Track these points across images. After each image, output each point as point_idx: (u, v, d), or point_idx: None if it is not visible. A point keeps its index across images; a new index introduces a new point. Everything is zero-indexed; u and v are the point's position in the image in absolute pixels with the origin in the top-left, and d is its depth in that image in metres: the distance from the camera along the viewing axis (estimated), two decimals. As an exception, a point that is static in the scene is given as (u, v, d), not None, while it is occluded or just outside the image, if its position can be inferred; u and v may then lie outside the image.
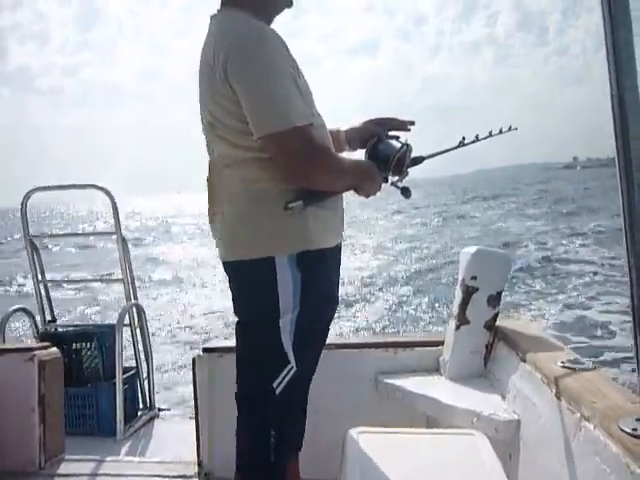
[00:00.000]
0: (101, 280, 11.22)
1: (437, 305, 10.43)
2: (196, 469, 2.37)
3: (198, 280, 15.06)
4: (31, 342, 3.43)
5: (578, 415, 1.33)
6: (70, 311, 10.93)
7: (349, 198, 1.67)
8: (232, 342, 1.77)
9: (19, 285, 15.28)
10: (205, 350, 2.36)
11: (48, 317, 3.61)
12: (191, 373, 2.36)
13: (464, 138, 1.73)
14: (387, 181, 1.67)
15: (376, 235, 24.01)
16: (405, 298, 11.51)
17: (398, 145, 1.67)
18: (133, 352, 3.60)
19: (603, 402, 1.30)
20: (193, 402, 2.37)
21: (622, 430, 1.15)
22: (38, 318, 3.56)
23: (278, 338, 1.54)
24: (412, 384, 2.12)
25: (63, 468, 2.55)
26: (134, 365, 3.57)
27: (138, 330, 3.62)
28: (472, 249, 2.14)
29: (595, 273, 12.58)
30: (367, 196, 1.65)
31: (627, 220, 1.19)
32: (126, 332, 3.50)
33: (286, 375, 1.55)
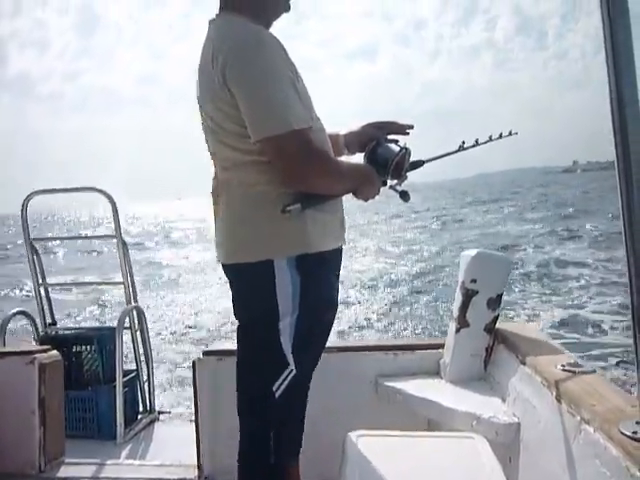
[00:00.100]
0: (101, 283, 11.22)
1: (437, 308, 10.44)
2: (196, 472, 2.37)
3: (198, 283, 15.06)
4: (31, 345, 3.43)
5: (578, 418, 1.33)
6: (71, 314, 10.92)
7: (348, 202, 1.67)
8: (232, 345, 1.77)
9: (27, 291, 15.27)
10: (205, 353, 2.37)
11: (48, 320, 3.61)
12: (191, 376, 2.37)
13: (464, 142, 1.73)
14: (386, 185, 1.67)
15: (376, 239, 24.02)
16: (405, 301, 11.52)
17: (397, 149, 1.67)
18: (133, 355, 3.61)
19: (603, 405, 1.30)
20: (193, 405, 2.37)
21: (622, 433, 1.15)
22: (38, 321, 3.56)
23: (278, 341, 1.54)
24: (412, 387, 2.12)
25: (63, 471, 2.55)
26: (134, 368, 3.57)
27: (138, 333, 3.62)
28: (472, 252, 2.14)
29: (590, 275, 12.69)
30: (366, 200, 1.65)
31: (627, 222, 1.19)
32: (126, 335, 3.51)
33: (286, 378, 1.55)
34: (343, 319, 9.47)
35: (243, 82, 1.46)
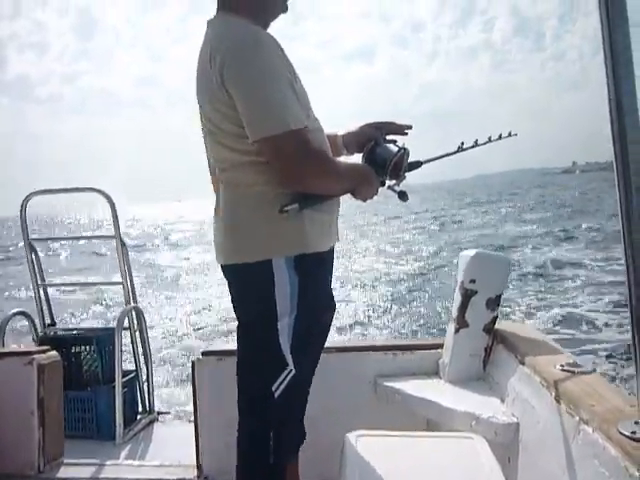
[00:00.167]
0: (101, 283, 11.21)
1: (435, 307, 10.46)
2: (195, 472, 2.37)
3: (198, 284, 15.06)
4: (30, 346, 3.43)
5: (577, 418, 1.33)
6: (70, 315, 10.91)
7: (346, 202, 1.67)
8: (232, 345, 1.77)
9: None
10: (205, 353, 2.37)
11: (48, 320, 3.60)
12: (190, 376, 2.37)
13: (463, 143, 1.73)
14: (384, 185, 1.66)
15: (375, 240, 24.05)
16: (404, 300, 11.54)
17: (395, 149, 1.66)
18: (132, 355, 3.60)
19: (602, 405, 1.31)
20: (192, 405, 2.37)
21: (621, 433, 1.15)
22: (38, 321, 3.56)
23: (276, 341, 1.54)
24: (411, 387, 2.12)
25: (62, 472, 2.55)
26: (134, 368, 3.57)
27: (137, 333, 3.62)
28: (471, 252, 2.14)
29: (587, 276, 12.82)
30: (364, 200, 1.65)
31: (625, 223, 1.19)
32: (126, 335, 3.50)
33: (285, 378, 1.55)
34: (343, 319, 9.49)
35: (241, 82, 1.46)
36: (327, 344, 1.74)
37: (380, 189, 1.66)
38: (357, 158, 1.75)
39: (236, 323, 1.67)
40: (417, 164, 1.71)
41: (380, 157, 1.67)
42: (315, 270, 1.57)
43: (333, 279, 1.74)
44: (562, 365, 1.62)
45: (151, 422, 3.43)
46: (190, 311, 11.62)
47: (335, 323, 1.71)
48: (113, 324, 3.40)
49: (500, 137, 1.79)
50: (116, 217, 3.52)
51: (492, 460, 1.52)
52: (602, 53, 1.20)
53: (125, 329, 3.49)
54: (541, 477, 1.54)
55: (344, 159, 1.76)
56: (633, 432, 1.14)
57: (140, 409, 3.52)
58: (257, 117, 1.46)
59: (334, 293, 1.74)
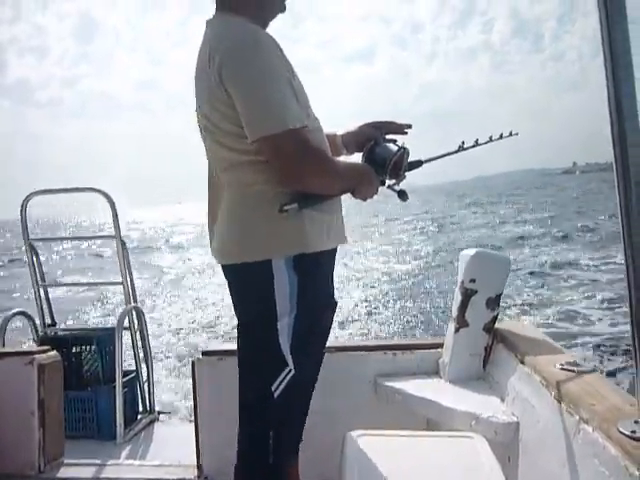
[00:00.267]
0: (101, 284, 11.19)
1: (436, 308, 10.47)
2: (196, 472, 2.37)
3: (199, 285, 15.07)
4: (31, 346, 3.43)
5: (577, 417, 1.33)
6: (70, 315, 10.91)
7: (346, 202, 1.67)
8: (232, 345, 1.77)
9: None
10: (205, 353, 2.37)
11: (48, 320, 3.60)
12: (191, 376, 2.37)
13: (464, 142, 1.73)
14: (384, 184, 1.66)
15: (375, 240, 24.08)
16: (404, 301, 11.55)
17: (395, 148, 1.66)
18: (133, 355, 3.60)
19: (602, 405, 1.31)
20: (193, 405, 2.37)
21: (621, 432, 1.15)
22: (38, 322, 3.56)
23: (276, 341, 1.53)
24: (411, 387, 2.12)
25: (63, 472, 2.55)
26: (134, 368, 3.57)
27: (138, 333, 3.62)
28: (471, 251, 2.14)
29: (584, 276, 12.94)
30: (364, 199, 1.64)
31: (625, 223, 1.19)
32: (126, 335, 3.50)
33: (284, 378, 1.55)
34: (343, 318, 9.52)
35: (240, 82, 1.46)
36: (327, 344, 1.74)
37: (380, 188, 1.66)
38: (357, 158, 1.75)
39: (236, 322, 1.67)
40: (418, 163, 1.71)
41: (380, 156, 1.67)
42: (315, 270, 1.57)
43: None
44: (562, 364, 1.62)
45: (151, 422, 3.43)
46: (191, 311, 11.63)
47: (336, 318, 1.71)
48: (113, 324, 3.40)
49: (501, 137, 1.79)
50: (116, 216, 3.52)
51: (492, 459, 1.52)
52: (602, 55, 1.20)
53: (125, 329, 3.49)
54: (541, 476, 1.54)
55: (344, 159, 1.76)
56: (633, 431, 1.14)
57: (140, 409, 3.52)
58: (256, 116, 1.46)
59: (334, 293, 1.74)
